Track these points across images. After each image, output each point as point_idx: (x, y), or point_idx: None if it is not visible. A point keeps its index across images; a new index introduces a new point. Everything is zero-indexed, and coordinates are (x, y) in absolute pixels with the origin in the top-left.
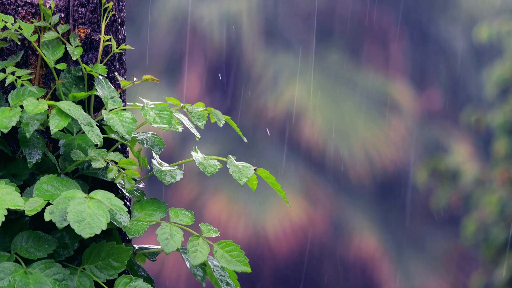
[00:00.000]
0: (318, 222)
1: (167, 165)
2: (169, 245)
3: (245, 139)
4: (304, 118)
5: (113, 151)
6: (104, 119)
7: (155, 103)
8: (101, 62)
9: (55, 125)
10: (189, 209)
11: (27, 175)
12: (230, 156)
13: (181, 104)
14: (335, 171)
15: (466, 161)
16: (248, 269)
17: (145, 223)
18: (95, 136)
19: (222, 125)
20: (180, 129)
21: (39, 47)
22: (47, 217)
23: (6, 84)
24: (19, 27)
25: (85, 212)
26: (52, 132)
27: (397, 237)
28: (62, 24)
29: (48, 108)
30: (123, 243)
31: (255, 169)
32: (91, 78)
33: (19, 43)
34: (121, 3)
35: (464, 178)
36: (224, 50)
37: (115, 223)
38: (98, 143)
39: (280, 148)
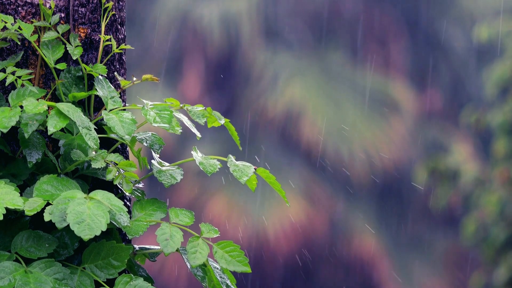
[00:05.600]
0: (318, 222)
1: (167, 164)
2: (169, 246)
3: (240, 147)
4: (304, 118)
5: (113, 151)
6: (104, 119)
7: (154, 103)
8: (101, 62)
9: (53, 125)
10: (189, 209)
11: (27, 175)
12: (230, 155)
13: (181, 104)
14: (335, 171)
15: (466, 161)
16: (248, 269)
17: (145, 223)
18: (91, 139)
19: (222, 122)
20: (179, 131)
21: (39, 47)
22: (46, 217)
23: (6, 84)
24: (19, 27)
25: (85, 213)
26: (49, 133)
27: (397, 237)
28: (62, 24)
29: (47, 108)
30: (123, 243)
31: (255, 169)
32: (91, 78)
33: (19, 43)
34: (121, 3)
35: (464, 178)
36: (224, 50)
37: (115, 223)
38: (95, 147)
39: (280, 148)
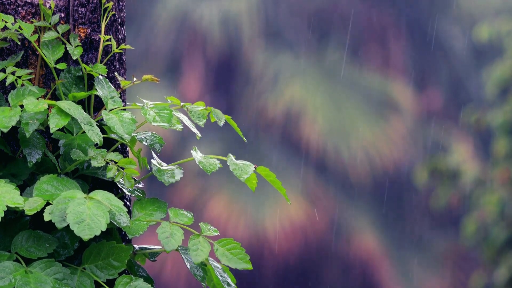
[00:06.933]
0: (318, 222)
1: (167, 165)
2: (170, 244)
3: (245, 139)
4: (304, 118)
5: (113, 151)
6: (104, 119)
7: (154, 102)
8: (101, 62)
9: (55, 124)
10: (189, 210)
11: (27, 175)
12: (230, 154)
13: (181, 104)
14: (335, 171)
15: (466, 161)
16: (249, 266)
17: (145, 222)
18: (95, 135)
19: (222, 124)
20: (180, 127)
21: (39, 47)
22: (46, 217)
23: (7, 84)
24: (19, 27)
25: (85, 213)
26: (51, 131)
27: (397, 237)
28: (62, 24)
29: (48, 107)
30: (123, 243)
31: (255, 167)
32: (91, 78)
33: (19, 43)
34: (121, 3)
35: (464, 178)
36: (224, 50)
37: (115, 223)
38: (98, 142)
39: (280, 148)
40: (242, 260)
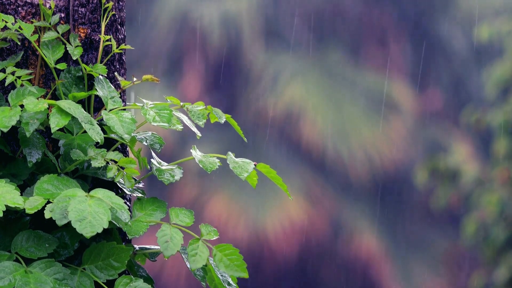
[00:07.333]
0: (318, 222)
1: (167, 164)
2: (169, 249)
3: (245, 139)
4: (304, 118)
5: (113, 150)
6: (104, 119)
7: (154, 102)
8: (101, 62)
9: (56, 123)
10: (189, 209)
11: (27, 175)
12: (230, 152)
13: (181, 103)
14: (335, 171)
15: (466, 161)
16: (245, 275)
17: (145, 223)
18: (96, 134)
19: (223, 121)
20: (180, 127)
21: (39, 47)
22: (47, 214)
23: (6, 84)
24: (19, 27)
25: (86, 211)
26: (52, 131)
27: (397, 237)
28: (62, 24)
29: (48, 107)
30: (123, 243)
31: (255, 165)
32: (91, 78)
33: (19, 43)
34: (121, 3)
35: (464, 178)
36: (224, 50)
37: (116, 223)
38: (99, 141)
39: (280, 148)
40: (239, 268)
